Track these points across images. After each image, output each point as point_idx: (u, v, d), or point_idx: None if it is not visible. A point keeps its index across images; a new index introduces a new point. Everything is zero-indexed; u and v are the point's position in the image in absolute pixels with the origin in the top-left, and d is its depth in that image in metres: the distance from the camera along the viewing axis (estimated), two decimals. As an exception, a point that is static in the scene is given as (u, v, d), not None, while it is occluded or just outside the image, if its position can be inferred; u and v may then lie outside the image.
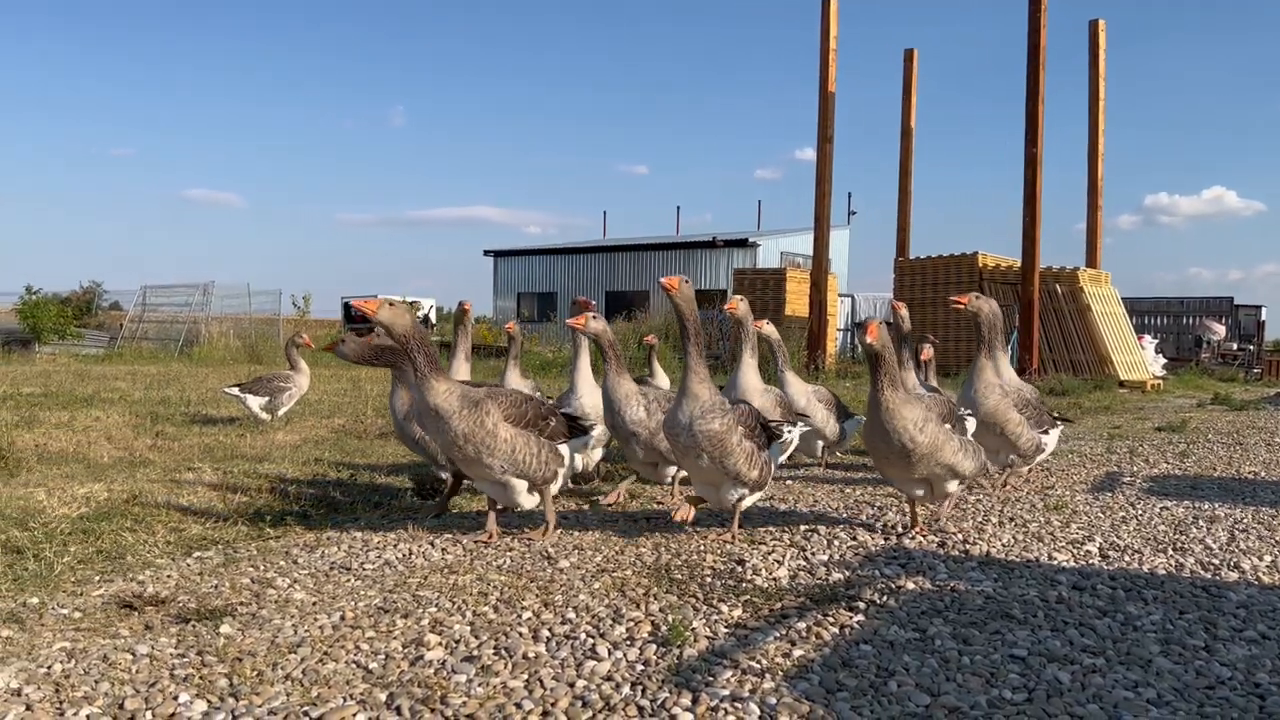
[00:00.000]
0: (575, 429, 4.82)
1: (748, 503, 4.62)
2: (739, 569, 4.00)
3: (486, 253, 43.03)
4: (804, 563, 4.14)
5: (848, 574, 3.96)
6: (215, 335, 25.46)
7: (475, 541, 4.48)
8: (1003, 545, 4.53)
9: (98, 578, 3.83)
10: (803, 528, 4.84)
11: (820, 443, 6.93)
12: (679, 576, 3.87)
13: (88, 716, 2.45)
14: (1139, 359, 19.34)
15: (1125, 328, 19.83)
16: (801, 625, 3.25)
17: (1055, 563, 4.23)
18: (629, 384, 5.05)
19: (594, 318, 4.92)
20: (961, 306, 5.65)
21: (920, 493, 4.75)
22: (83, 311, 30.45)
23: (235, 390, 9.21)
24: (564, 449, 4.64)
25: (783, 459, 5.99)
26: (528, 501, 4.55)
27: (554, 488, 4.64)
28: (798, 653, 3.00)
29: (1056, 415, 6.22)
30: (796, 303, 22.47)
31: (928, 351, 7.38)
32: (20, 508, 5.07)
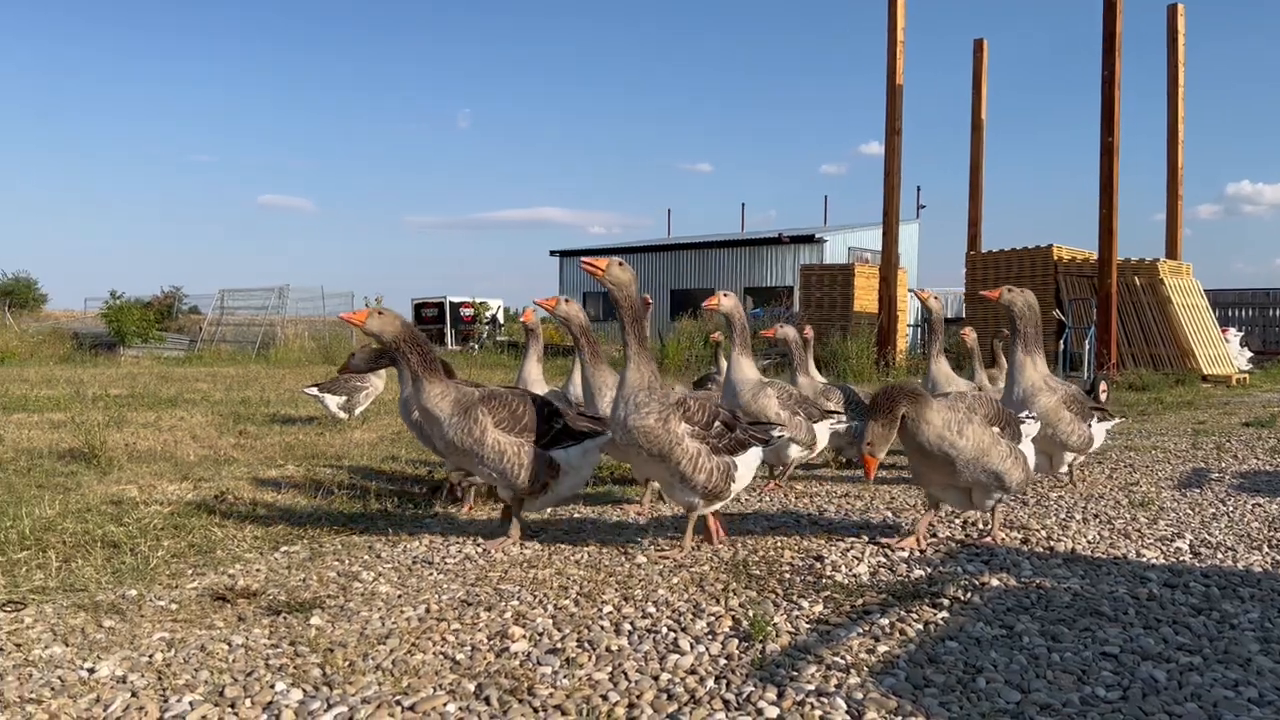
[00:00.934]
0: (592, 432, 4.50)
1: (703, 511, 4.20)
2: (817, 565, 3.98)
3: (552, 253, 43.38)
4: (884, 559, 4.10)
5: (929, 571, 3.91)
6: (290, 337, 26.09)
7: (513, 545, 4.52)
8: (1088, 542, 4.43)
9: (190, 571, 3.95)
10: (880, 524, 4.79)
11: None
12: (757, 572, 3.86)
13: (190, 704, 2.53)
14: (1223, 352, 18.74)
15: (1208, 320, 19.23)
16: (885, 621, 3.22)
17: (1144, 560, 4.13)
18: (606, 374, 4.86)
19: (565, 300, 4.80)
20: (994, 299, 5.43)
21: (955, 499, 4.38)
22: (164, 315, 31.37)
23: (314, 390, 9.42)
24: (566, 454, 4.38)
25: (798, 458, 5.73)
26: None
27: (542, 500, 4.44)
28: (882, 648, 2.97)
29: (1098, 408, 6.01)
30: (865, 299, 22.22)
31: (969, 334, 7.13)
32: (115, 504, 5.25)
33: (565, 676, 2.75)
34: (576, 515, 5.11)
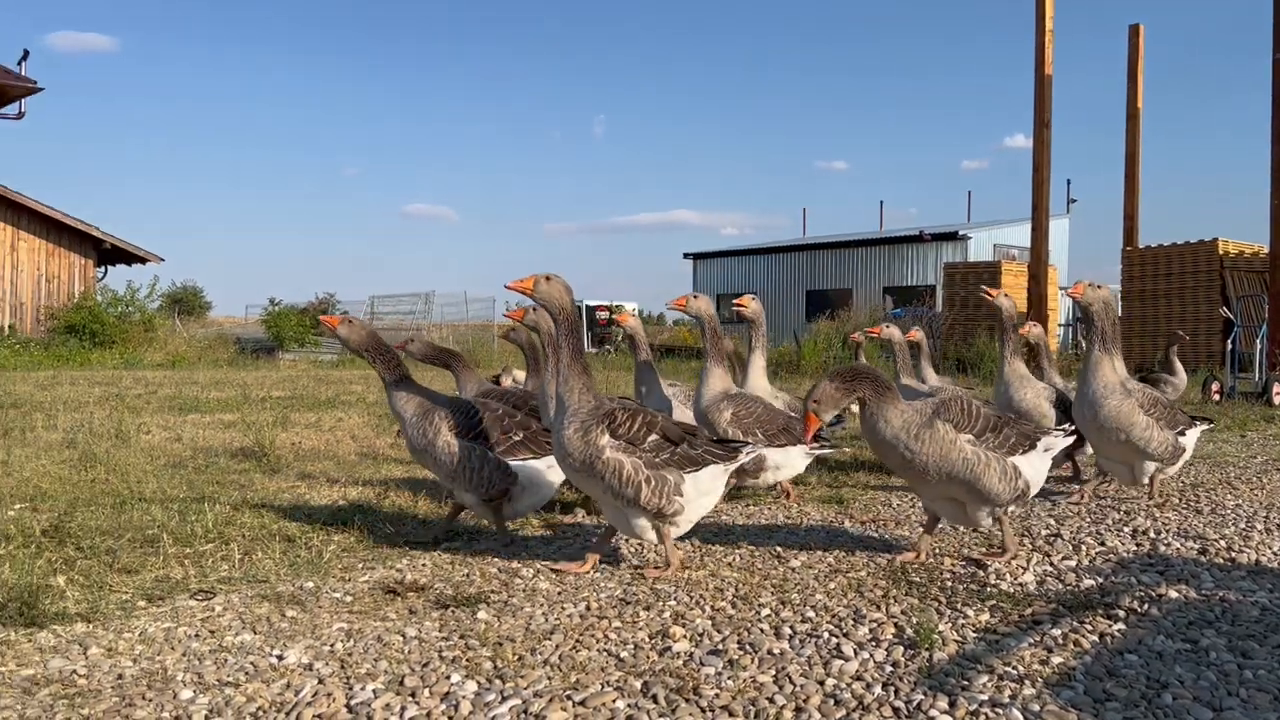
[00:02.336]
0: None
1: (650, 537, 3.91)
2: (980, 573, 3.87)
3: (686, 255, 43.48)
4: (1050, 568, 3.95)
5: (1100, 580, 3.75)
6: (436, 341, 26.99)
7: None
8: (1274, 553, 4.16)
9: (360, 565, 4.13)
10: (1044, 532, 4.62)
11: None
12: (917, 579, 3.78)
13: (373, 692, 2.65)
14: None
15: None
16: (1056, 632, 3.10)
17: (1340, 574, 3.85)
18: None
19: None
20: (1078, 296, 5.12)
21: (949, 512, 4.12)
22: (318, 321, 32.93)
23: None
24: (532, 465, 4.39)
25: (777, 479, 5.22)
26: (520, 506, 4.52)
27: (511, 508, 4.45)
28: (1056, 660, 2.86)
29: (1196, 415, 5.56)
30: (1013, 297, 21.44)
31: (1029, 329, 6.65)
32: (287, 500, 5.54)
33: (729, 678, 2.75)
34: (724, 518, 5.11)
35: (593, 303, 37.46)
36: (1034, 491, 4.09)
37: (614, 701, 2.57)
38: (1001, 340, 6.24)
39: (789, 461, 5.27)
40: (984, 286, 6.77)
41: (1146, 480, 5.18)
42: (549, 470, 4.50)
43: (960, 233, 34.32)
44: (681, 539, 4.50)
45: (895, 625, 3.20)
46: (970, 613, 3.33)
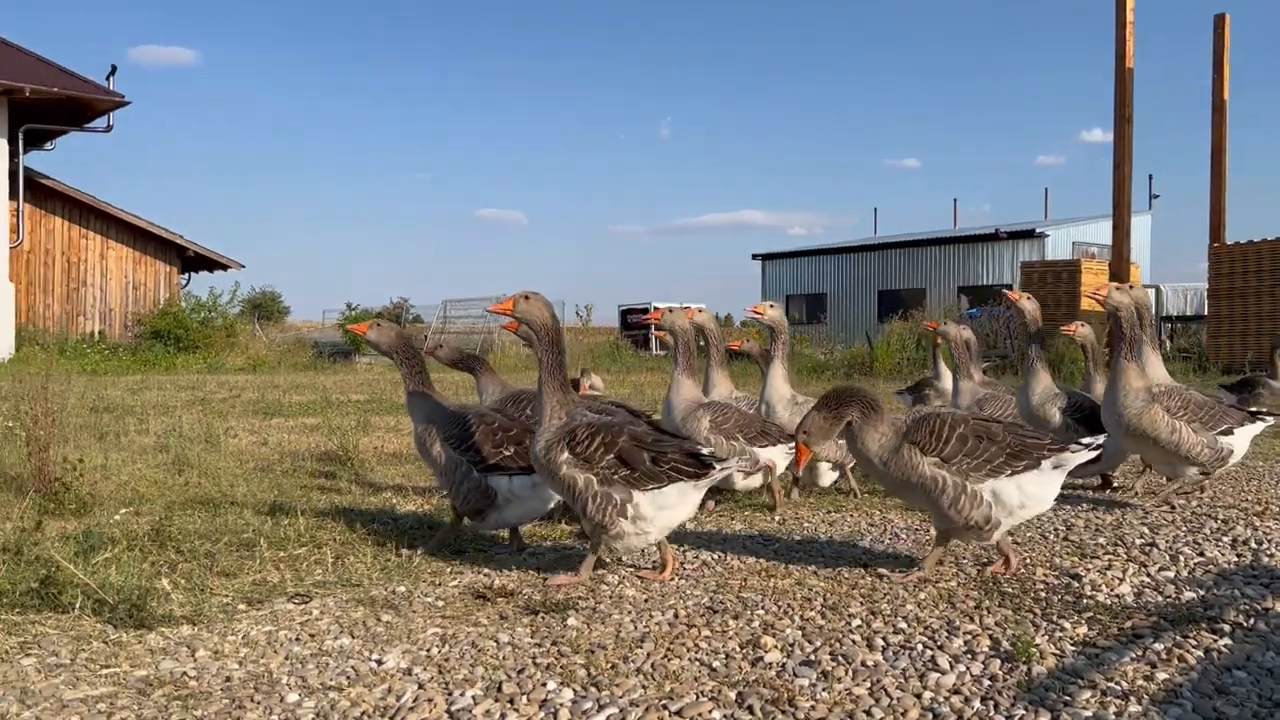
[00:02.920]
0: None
1: (600, 553, 3.93)
2: (1074, 584, 3.79)
3: (755, 256, 43.31)
4: (1148, 579, 3.85)
5: (1201, 593, 3.64)
6: (506, 344, 27.22)
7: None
8: (1386, 566, 4.00)
9: (449, 570, 4.19)
10: (1139, 542, 4.50)
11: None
12: (1010, 590, 3.72)
13: (473, 698, 2.69)
14: None
15: None
16: (1159, 647, 3.03)
17: None
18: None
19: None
20: (1101, 299, 5.11)
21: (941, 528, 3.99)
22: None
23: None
24: (507, 482, 4.31)
25: (747, 485, 5.12)
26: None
27: (499, 516, 4.40)
28: (1161, 676, 2.79)
29: (1255, 410, 5.38)
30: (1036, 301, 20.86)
31: (1075, 329, 6.47)
32: (374, 504, 5.65)
33: (824, 689, 2.74)
34: (807, 525, 5.08)
35: (661, 305, 37.44)
36: (1028, 513, 3.90)
37: (710, 712, 2.58)
38: (1027, 343, 6.17)
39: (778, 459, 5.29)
40: (1004, 291, 6.72)
41: (1183, 482, 5.17)
42: (534, 490, 4.38)
43: (1037, 230, 33.62)
44: (765, 546, 4.49)
45: (990, 638, 3.15)
46: (1067, 625, 3.26)
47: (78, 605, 3.50)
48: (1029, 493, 3.83)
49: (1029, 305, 6.08)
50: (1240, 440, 5.17)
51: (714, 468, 3.86)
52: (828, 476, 5.76)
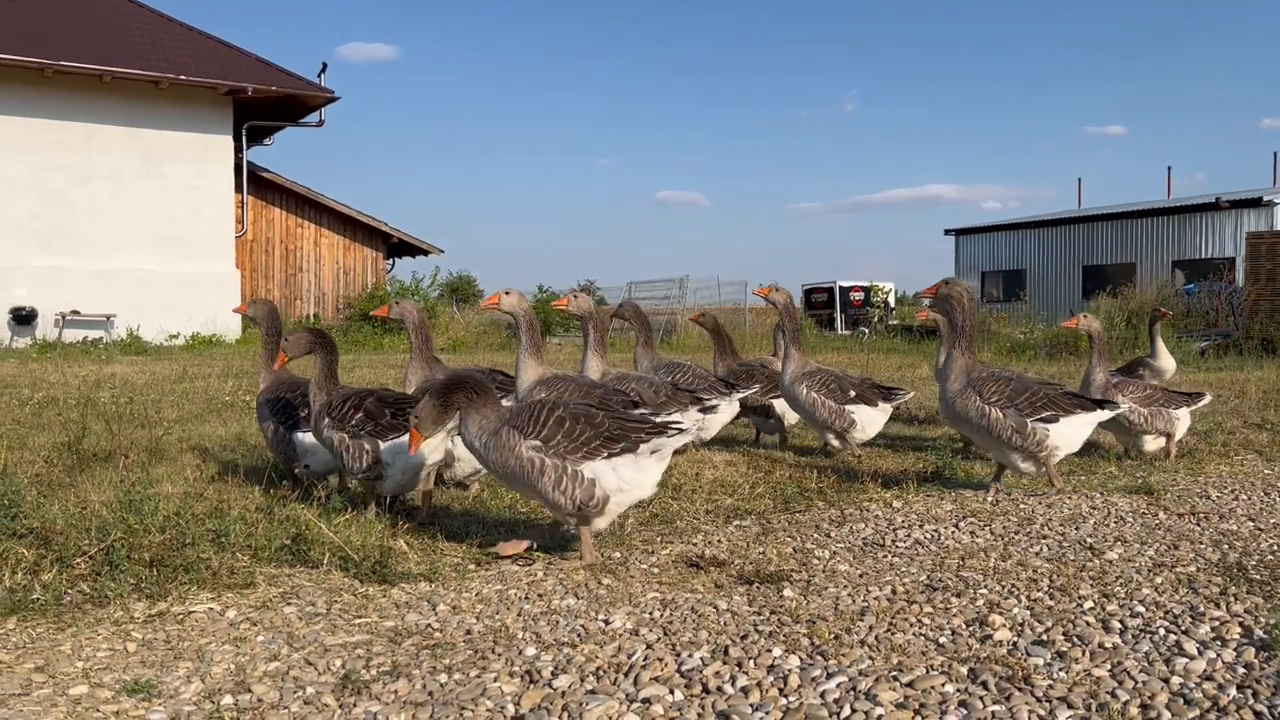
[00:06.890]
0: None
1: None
2: (1333, 573, 3.50)
3: (947, 232, 41.70)
4: None
5: None
6: (688, 325, 27.44)
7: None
8: None
9: (659, 539, 4.29)
10: (1405, 531, 4.11)
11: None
12: (1258, 576, 3.48)
13: (701, 660, 2.76)
14: None
15: None
16: None
17: None
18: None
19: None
20: (1074, 326, 5.87)
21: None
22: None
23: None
24: (388, 445, 4.41)
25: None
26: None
27: (382, 486, 4.54)
28: None
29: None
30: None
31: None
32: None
33: (1060, 669, 2.65)
34: (1023, 506, 4.90)
35: (846, 284, 36.71)
36: (629, 497, 3.84)
37: (943, 685, 2.55)
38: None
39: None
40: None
41: (1028, 468, 5.13)
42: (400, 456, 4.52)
43: (1265, 198, 30.84)
44: (984, 527, 4.36)
45: (1241, 625, 2.96)
46: (1329, 616, 3.02)
47: (325, 561, 3.80)
48: (625, 476, 3.81)
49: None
50: (1067, 426, 5.01)
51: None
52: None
